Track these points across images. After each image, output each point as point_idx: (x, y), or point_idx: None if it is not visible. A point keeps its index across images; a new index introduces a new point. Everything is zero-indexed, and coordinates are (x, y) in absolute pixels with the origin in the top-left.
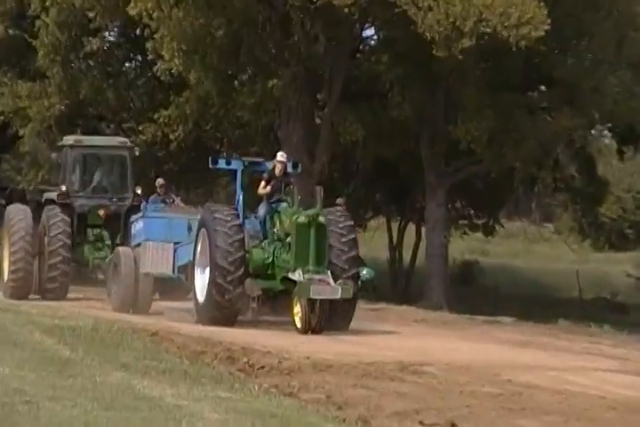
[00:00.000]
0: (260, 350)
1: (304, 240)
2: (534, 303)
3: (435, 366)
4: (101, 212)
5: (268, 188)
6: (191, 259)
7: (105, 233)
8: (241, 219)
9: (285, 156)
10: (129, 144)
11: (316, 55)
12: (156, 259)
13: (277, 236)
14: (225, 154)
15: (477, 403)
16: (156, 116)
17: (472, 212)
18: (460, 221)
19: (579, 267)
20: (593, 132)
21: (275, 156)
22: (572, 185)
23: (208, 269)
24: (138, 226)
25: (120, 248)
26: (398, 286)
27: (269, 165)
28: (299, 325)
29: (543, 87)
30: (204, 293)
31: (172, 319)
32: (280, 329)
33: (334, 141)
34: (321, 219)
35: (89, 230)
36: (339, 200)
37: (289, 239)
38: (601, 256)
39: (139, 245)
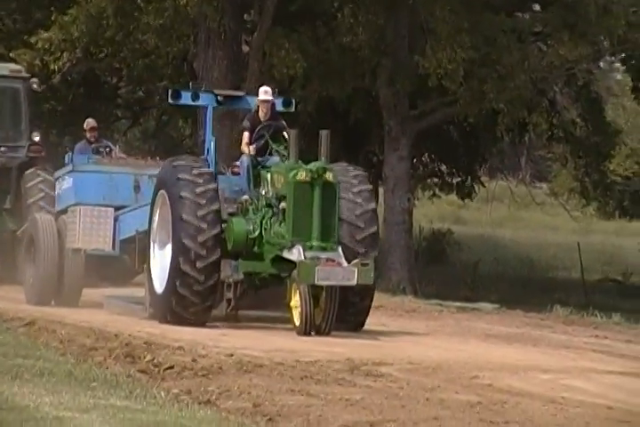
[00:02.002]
0: (169, 345)
1: (305, 205)
2: (523, 286)
3: (394, 367)
4: None
5: (253, 144)
6: (139, 230)
7: None
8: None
9: (270, 91)
10: (24, 74)
11: None
12: (90, 230)
13: (267, 200)
14: (191, 85)
15: (449, 414)
16: (33, 40)
17: (444, 167)
18: (429, 180)
19: (581, 239)
20: (601, 64)
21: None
22: (572, 133)
23: (169, 249)
24: (64, 185)
25: (37, 215)
26: None
27: (253, 101)
28: (298, 322)
29: (536, 6)
30: (164, 280)
31: (114, 313)
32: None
33: (267, 76)
34: (329, 175)
35: None
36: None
37: (283, 204)
38: (610, 225)
39: (65, 211)
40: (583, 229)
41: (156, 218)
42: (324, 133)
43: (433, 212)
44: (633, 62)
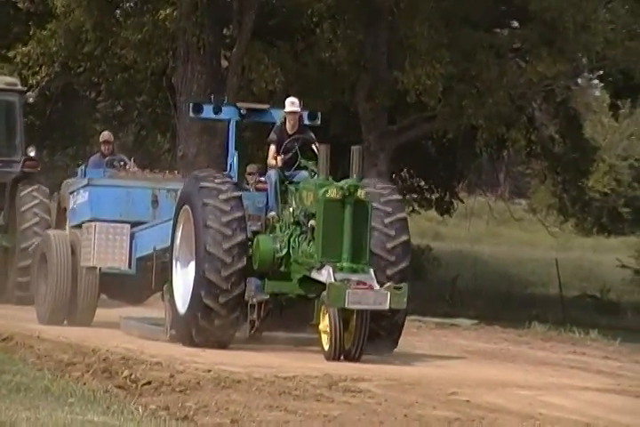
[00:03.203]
0: (147, 360)
1: (336, 224)
2: (502, 302)
3: (373, 382)
4: None
5: (281, 155)
6: (157, 247)
7: None
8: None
9: (297, 103)
10: (20, 87)
11: None
12: (105, 248)
13: (295, 217)
14: (213, 98)
15: None
16: (11, 54)
17: (422, 183)
18: (408, 196)
19: (559, 255)
20: (579, 81)
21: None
22: (551, 150)
23: (192, 267)
24: (79, 199)
25: (51, 232)
26: None
27: (277, 114)
28: (327, 347)
29: (515, 23)
30: (187, 298)
31: (131, 334)
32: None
33: (245, 90)
34: (361, 193)
35: None
36: (250, 167)
37: (312, 223)
38: (588, 242)
39: (79, 226)
40: (561, 246)
41: (179, 234)
42: (355, 149)
43: (412, 227)
44: (611, 79)
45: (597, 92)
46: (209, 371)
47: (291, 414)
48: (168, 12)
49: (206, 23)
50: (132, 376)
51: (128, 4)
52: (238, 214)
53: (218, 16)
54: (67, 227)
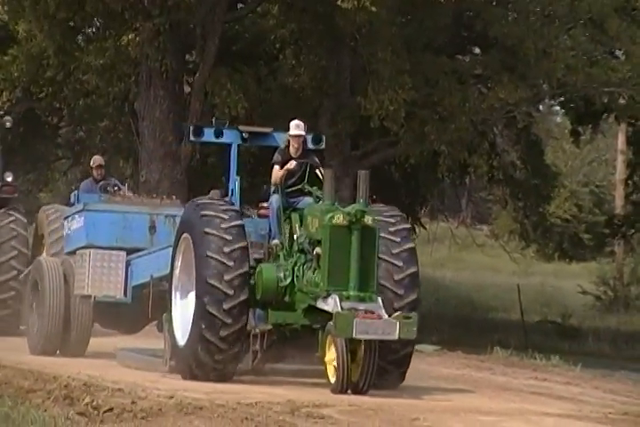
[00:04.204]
0: (109, 387)
1: (342, 251)
2: (464, 327)
3: (335, 408)
4: None
5: (291, 164)
6: (154, 275)
7: None
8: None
9: (302, 126)
10: None
11: (186, 3)
12: (100, 275)
13: (299, 245)
14: (215, 120)
15: None
16: None
17: None
18: None
19: (521, 281)
20: (540, 108)
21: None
22: (512, 176)
23: (193, 297)
24: (74, 224)
25: (43, 259)
26: None
27: (281, 138)
28: (333, 379)
29: (477, 49)
30: (188, 329)
31: (127, 366)
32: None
33: (208, 116)
34: (368, 219)
35: None
36: (213, 193)
37: (318, 250)
38: (549, 267)
39: (73, 253)
40: (523, 271)
41: (179, 264)
42: (362, 174)
43: None
44: (572, 105)
45: (559, 119)
46: (171, 397)
47: None
48: (130, 37)
49: (169, 48)
50: (94, 403)
51: (90, 30)
52: (241, 244)
53: (180, 41)
54: (44, 254)
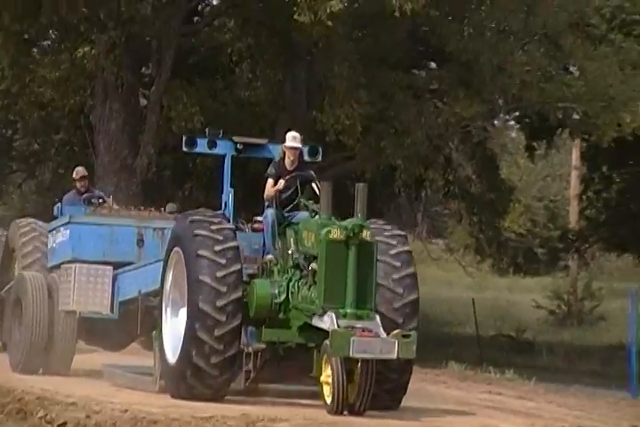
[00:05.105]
0: (62, 400)
1: (339, 267)
2: (419, 341)
3: (290, 422)
4: None
5: (280, 184)
6: (142, 291)
7: None
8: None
9: (299, 138)
10: None
11: (142, 16)
12: (86, 291)
13: (294, 260)
14: (208, 131)
15: None
16: None
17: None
18: None
19: (475, 295)
20: (495, 122)
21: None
22: (468, 190)
23: (184, 313)
24: (59, 238)
25: (25, 273)
26: None
27: (276, 149)
28: (329, 400)
29: (433, 64)
30: (178, 349)
31: (116, 384)
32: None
33: (164, 129)
34: (366, 234)
35: None
36: (169, 206)
37: (314, 266)
38: (504, 282)
39: (57, 267)
40: (478, 285)
41: (169, 278)
42: (360, 187)
43: None
44: (527, 120)
45: (513, 134)
46: (125, 411)
47: None
48: (86, 50)
49: (125, 61)
50: (48, 417)
51: (46, 42)
52: (234, 268)
53: (136, 54)
54: (15, 269)
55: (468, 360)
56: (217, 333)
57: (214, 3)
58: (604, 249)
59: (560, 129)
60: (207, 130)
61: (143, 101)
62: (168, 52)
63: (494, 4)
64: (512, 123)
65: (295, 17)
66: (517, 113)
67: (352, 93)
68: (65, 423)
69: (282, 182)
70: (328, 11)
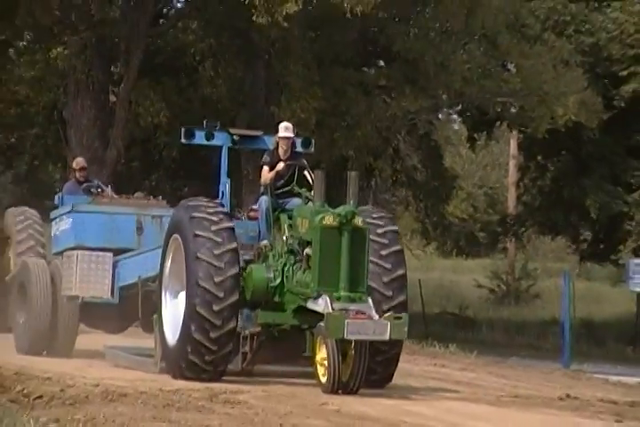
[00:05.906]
0: (39, 375)
1: (332, 252)
2: None
3: (250, 394)
4: None
5: (279, 166)
6: (142, 276)
7: None
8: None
9: (291, 128)
10: None
11: (111, 19)
12: (87, 277)
13: (288, 246)
14: (205, 123)
15: None
16: None
17: None
18: None
19: (422, 276)
20: (439, 116)
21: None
22: (414, 179)
23: (183, 297)
24: (62, 226)
25: (29, 260)
26: None
27: (270, 141)
28: (324, 379)
29: (381, 62)
30: (178, 329)
31: (118, 365)
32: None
33: (133, 124)
34: (358, 220)
35: None
36: (137, 195)
37: (307, 251)
38: (447, 263)
39: (60, 254)
40: (424, 267)
41: (169, 264)
42: (352, 175)
43: None
44: (468, 114)
45: (456, 126)
46: (97, 385)
47: (174, 424)
48: (59, 50)
49: (95, 61)
50: (25, 391)
51: (21, 44)
52: (231, 246)
53: (106, 54)
54: (10, 256)
55: (415, 336)
56: (215, 308)
57: (178, 6)
58: (539, 232)
59: (499, 121)
60: (205, 122)
61: (113, 98)
62: (136, 53)
63: (437, 6)
64: (455, 116)
65: (254, 19)
66: (459, 107)
67: (307, 90)
68: (41, 396)
69: (281, 165)
70: (284, 13)
